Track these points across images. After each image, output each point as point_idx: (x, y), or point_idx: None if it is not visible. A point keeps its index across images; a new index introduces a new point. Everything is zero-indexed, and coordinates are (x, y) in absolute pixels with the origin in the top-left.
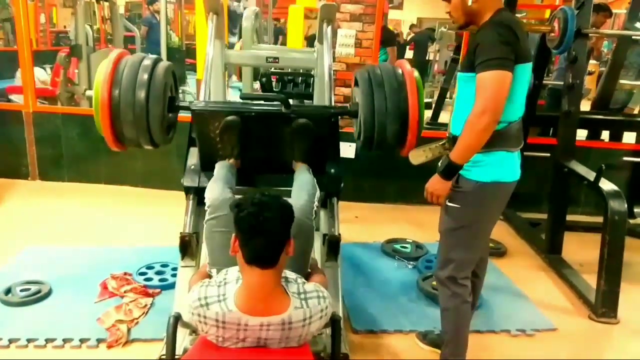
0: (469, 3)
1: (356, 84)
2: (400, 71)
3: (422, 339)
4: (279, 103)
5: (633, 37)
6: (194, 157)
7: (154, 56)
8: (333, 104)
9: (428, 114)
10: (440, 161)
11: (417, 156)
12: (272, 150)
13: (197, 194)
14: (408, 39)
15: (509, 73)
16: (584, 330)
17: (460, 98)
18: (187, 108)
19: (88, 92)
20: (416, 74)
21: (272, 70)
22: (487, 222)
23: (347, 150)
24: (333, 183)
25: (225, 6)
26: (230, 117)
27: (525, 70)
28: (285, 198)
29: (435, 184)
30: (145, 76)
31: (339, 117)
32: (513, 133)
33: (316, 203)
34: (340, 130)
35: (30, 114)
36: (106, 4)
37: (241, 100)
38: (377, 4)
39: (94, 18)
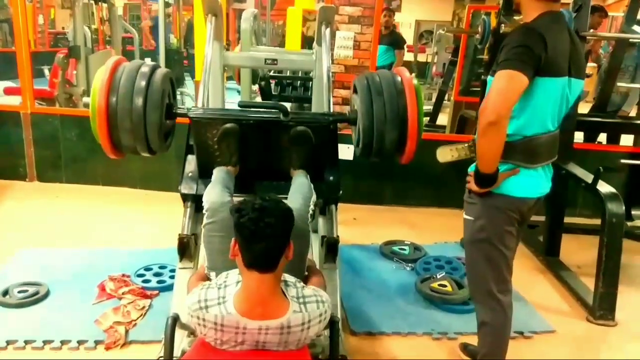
0: None
1: (355, 91)
2: (399, 79)
3: (463, 349)
4: (277, 111)
5: (630, 39)
6: (191, 165)
7: (152, 63)
8: (331, 106)
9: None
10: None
11: (444, 154)
12: (271, 158)
13: (195, 202)
14: None
15: (519, 73)
16: (582, 332)
17: None
18: (185, 115)
19: (85, 100)
20: (415, 81)
21: (271, 74)
22: (501, 237)
23: (346, 152)
24: (331, 190)
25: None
26: (228, 125)
27: (553, 86)
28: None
29: (474, 187)
30: (143, 83)
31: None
32: (531, 148)
33: (312, 207)
34: (338, 132)
35: (29, 115)
36: (104, 5)
37: (239, 108)
38: (375, 6)
39: (92, 19)
